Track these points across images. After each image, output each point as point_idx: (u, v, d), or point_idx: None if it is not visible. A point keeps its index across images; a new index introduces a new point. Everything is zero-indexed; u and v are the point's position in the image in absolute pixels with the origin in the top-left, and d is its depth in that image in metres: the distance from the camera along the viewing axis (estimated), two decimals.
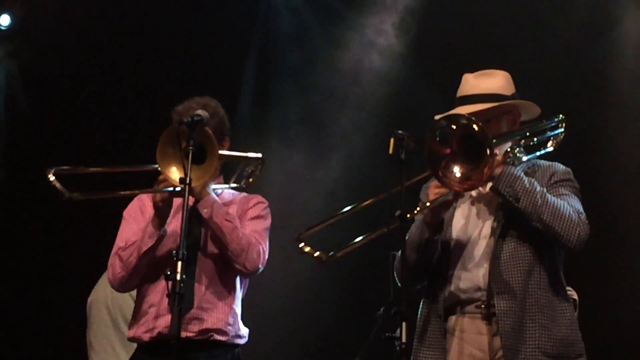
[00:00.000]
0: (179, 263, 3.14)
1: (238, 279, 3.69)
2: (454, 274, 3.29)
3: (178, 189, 3.46)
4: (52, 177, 3.47)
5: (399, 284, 3.29)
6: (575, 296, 3.81)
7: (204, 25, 6.57)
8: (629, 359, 5.44)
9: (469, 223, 3.34)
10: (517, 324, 3.17)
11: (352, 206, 3.29)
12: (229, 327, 3.60)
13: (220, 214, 3.56)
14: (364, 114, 6.34)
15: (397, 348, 2.95)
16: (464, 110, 3.29)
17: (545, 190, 3.23)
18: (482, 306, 3.24)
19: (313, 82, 6.45)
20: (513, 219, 3.24)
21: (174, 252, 3.17)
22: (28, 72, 6.65)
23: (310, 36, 6.52)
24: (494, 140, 3.16)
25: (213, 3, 6.60)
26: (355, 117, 6.39)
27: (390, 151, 3.12)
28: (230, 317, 3.61)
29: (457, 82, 3.47)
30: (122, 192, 3.63)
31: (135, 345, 3.70)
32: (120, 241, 3.68)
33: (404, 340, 2.94)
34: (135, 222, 3.71)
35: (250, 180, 3.81)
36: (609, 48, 5.82)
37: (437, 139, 3.16)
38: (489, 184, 3.25)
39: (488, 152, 3.09)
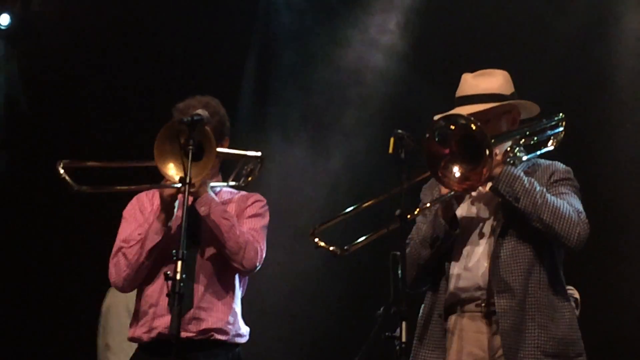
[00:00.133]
0: (179, 262, 3.15)
1: (237, 278, 3.69)
2: (455, 273, 3.30)
3: (176, 186, 3.46)
4: (61, 170, 3.48)
5: (408, 285, 3.28)
6: (577, 295, 3.81)
7: (204, 23, 6.56)
8: (629, 358, 5.44)
9: (469, 222, 3.34)
10: (517, 323, 3.17)
11: (354, 206, 3.30)
12: (229, 327, 3.60)
13: (218, 212, 3.56)
14: (365, 113, 6.34)
15: (397, 347, 2.95)
16: (463, 110, 3.29)
17: (545, 189, 3.23)
18: (482, 305, 3.25)
19: (313, 80, 6.45)
20: (513, 218, 3.24)
21: (174, 251, 3.17)
22: (28, 72, 6.65)
23: (311, 34, 6.52)
24: (493, 140, 3.15)
25: (214, 1, 6.60)
26: (356, 115, 6.38)
27: (390, 150, 3.13)
28: (230, 317, 3.61)
29: (458, 82, 3.47)
30: (129, 187, 3.64)
31: None
32: (120, 240, 3.67)
33: (403, 339, 2.94)
34: (135, 221, 3.71)
35: (249, 178, 3.81)
36: (609, 47, 5.82)
37: (436, 139, 3.17)
38: (489, 184, 3.25)
39: (487, 152, 3.09)
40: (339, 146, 6.36)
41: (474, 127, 3.10)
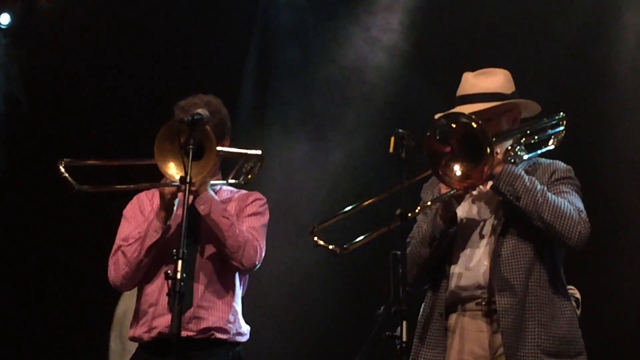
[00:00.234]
0: (180, 262, 3.15)
1: (237, 277, 3.69)
2: (455, 272, 3.30)
3: (176, 184, 3.47)
4: (62, 169, 3.48)
5: (409, 284, 3.28)
6: (578, 295, 3.81)
7: (205, 21, 6.56)
8: (629, 357, 5.44)
9: (470, 221, 3.35)
10: (517, 321, 3.17)
11: (354, 205, 3.31)
12: (230, 325, 3.60)
13: (218, 211, 3.56)
14: (365, 112, 6.34)
15: (398, 347, 2.95)
16: (463, 109, 3.28)
17: (545, 188, 3.23)
18: (483, 304, 3.25)
19: (314, 79, 6.45)
20: (514, 217, 3.25)
21: (174, 250, 3.17)
22: (28, 71, 6.65)
23: (311, 33, 6.52)
24: (494, 139, 3.16)
25: None
26: (356, 114, 6.38)
27: (391, 150, 3.13)
28: (230, 315, 3.61)
29: (459, 81, 3.47)
30: (129, 186, 3.65)
31: None
32: (120, 239, 3.68)
33: (404, 339, 2.94)
34: (135, 221, 3.71)
35: (249, 177, 3.81)
36: (609, 46, 5.82)
37: (437, 137, 3.17)
38: (490, 183, 3.25)
39: (488, 150, 3.09)
40: (339, 145, 6.36)
41: (475, 126, 3.10)
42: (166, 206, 3.54)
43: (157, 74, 6.44)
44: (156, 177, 3.60)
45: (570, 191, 3.30)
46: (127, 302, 4.74)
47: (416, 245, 3.33)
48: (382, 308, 4.38)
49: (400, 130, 3.13)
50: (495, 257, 3.24)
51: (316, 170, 6.34)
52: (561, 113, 3.46)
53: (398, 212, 3.06)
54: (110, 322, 4.99)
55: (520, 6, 6.00)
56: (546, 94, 4.36)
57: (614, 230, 5.54)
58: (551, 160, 3.42)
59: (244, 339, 3.70)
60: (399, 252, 3.28)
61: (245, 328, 3.70)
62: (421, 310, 3.39)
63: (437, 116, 3.27)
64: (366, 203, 3.32)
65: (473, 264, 3.28)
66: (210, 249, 3.62)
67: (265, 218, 3.76)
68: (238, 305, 3.68)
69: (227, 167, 3.87)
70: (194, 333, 3.53)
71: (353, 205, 3.33)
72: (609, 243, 5.47)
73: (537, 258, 3.24)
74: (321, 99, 6.44)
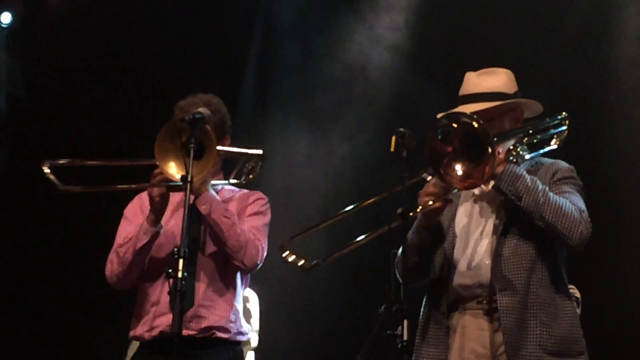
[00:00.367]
0: (181, 261, 3.14)
1: (239, 276, 3.69)
2: (457, 271, 3.30)
3: (173, 184, 3.46)
4: (47, 170, 3.48)
5: (400, 281, 3.29)
6: (578, 294, 3.82)
7: (206, 18, 6.56)
8: (630, 357, 5.44)
9: (472, 221, 3.35)
10: (519, 320, 3.17)
11: (355, 205, 3.30)
12: (231, 325, 3.60)
13: (219, 211, 3.56)
14: (367, 111, 6.34)
15: (399, 345, 2.95)
16: (466, 109, 3.28)
17: (547, 188, 3.23)
18: (484, 302, 3.24)
19: (315, 77, 6.45)
20: (515, 216, 3.24)
21: (175, 249, 3.17)
22: (29, 70, 6.65)
23: (313, 31, 6.52)
24: (495, 139, 3.15)
25: None
26: (358, 113, 6.39)
27: (392, 149, 3.12)
28: (231, 314, 3.61)
29: (461, 80, 3.46)
30: (118, 187, 3.64)
31: None
32: (119, 238, 3.68)
33: (405, 337, 2.94)
34: (135, 220, 3.71)
35: (251, 176, 3.81)
36: (611, 44, 5.82)
37: (439, 137, 3.16)
38: (492, 182, 3.25)
39: (489, 150, 3.09)
40: (341, 143, 6.37)
41: (476, 125, 3.10)
42: (155, 208, 3.54)
43: (158, 73, 6.45)
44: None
45: (572, 191, 3.30)
46: None
47: (407, 252, 3.34)
48: (383, 307, 4.39)
49: (401, 129, 3.13)
50: (496, 256, 3.24)
51: (318, 168, 6.34)
52: (564, 113, 3.46)
53: (399, 211, 3.06)
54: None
55: (522, 6, 6.01)
56: (548, 93, 4.36)
57: (616, 229, 5.54)
58: (553, 160, 3.41)
59: (245, 338, 3.70)
60: (399, 250, 3.29)
61: (247, 327, 3.70)
62: (422, 309, 3.39)
63: (439, 115, 3.26)
64: (366, 203, 3.31)
65: (475, 263, 3.28)
66: (211, 248, 3.61)
67: (267, 217, 3.76)
68: (239, 305, 3.68)
69: (228, 166, 3.87)
70: (195, 332, 3.53)
71: (354, 205, 3.32)
72: (611, 242, 5.48)
73: (539, 257, 3.24)
74: (323, 97, 6.44)
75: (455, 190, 3.27)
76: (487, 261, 3.26)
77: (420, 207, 3.25)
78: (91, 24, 6.52)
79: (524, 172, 3.23)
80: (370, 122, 6.25)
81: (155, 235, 3.56)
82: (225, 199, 3.74)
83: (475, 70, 3.46)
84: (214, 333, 3.55)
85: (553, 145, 3.45)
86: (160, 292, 3.57)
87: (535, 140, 3.39)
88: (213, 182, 3.71)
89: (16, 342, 6.42)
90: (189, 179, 3.29)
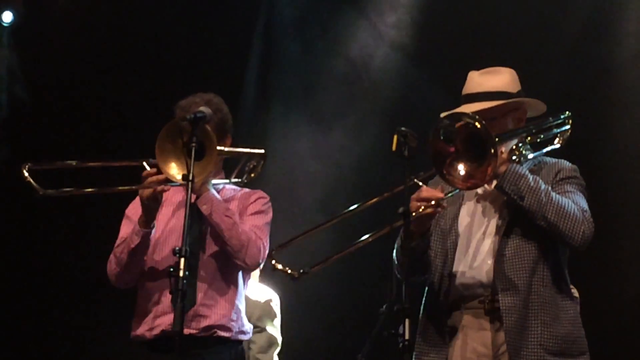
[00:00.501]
0: (182, 260, 3.14)
1: (240, 275, 3.69)
2: (459, 270, 3.30)
3: (166, 187, 3.46)
4: (26, 174, 3.48)
5: (398, 276, 3.29)
6: (577, 294, 3.81)
7: (207, 17, 6.55)
8: (632, 357, 5.43)
9: (474, 220, 3.34)
10: (520, 320, 3.17)
11: (358, 205, 3.30)
12: (232, 323, 3.60)
13: (220, 210, 3.56)
14: (369, 109, 6.33)
15: (400, 345, 2.95)
16: (469, 108, 3.28)
17: (550, 188, 3.22)
18: (486, 302, 3.24)
19: (317, 76, 6.44)
20: (518, 216, 3.24)
21: (176, 249, 3.17)
22: (31, 69, 6.65)
23: (315, 28, 6.51)
24: (497, 139, 3.15)
25: None
26: (359, 112, 6.38)
27: (393, 148, 3.12)
28: (233, 313, 3.61)
29: (463, 80, 3.46)
30: (97, 189, 3.64)
31: None
32: (118, 238, 3.69)
33: (406, 337, 2.93)
34: (136, 219, 3.70)
35: (252, 175, 3.80)
36: (613, 43, 5.81)
37: (442, 137, 3.16)
38: (495, 182, 3.25)
39: (491, 150, 3.08)
40: (343, 141, 6.36)
41: (478, 126, 3.09)
42: (146, 209, 3.54)
43: (159, 72, 6.44)
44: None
45: (575, 191, 3.30)
46: None
47: (397, 251, 3.34)
48: (384, 306, 4.38)
49: (402, 128, 3.12)
50: (499, 256, 3.23)
51: (320, 166, 6.33)
52: (567, 112, 3.45)
53: (401, 210, 3.06)
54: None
55: (525, 5, 6.00)
56: (551, 92, 4.35)
57: (617, 229, 5.53)
58: (556, 160, 3.41)
59: (247, 337, 3.70)
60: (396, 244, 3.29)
61: (248, 326, 3.70)
62: (422, 307, 3.38)
63: (442, 115, 3.26)
64: (370, 202, 3.31)
65: (477, 263, 3.28)
66: (213, 248, 3.61)
67: (269, 216, 3.75)
68: (241, 304, 3.67)
69: (230, 165, 3.87)
70: (197, 331, 3.53)
71: (357, 205, 3.32)
72: (613, 242, 5.47)
73: (541, 258, 3.24)
74: (325, 95, 6.43)
75: (457, 190, 3.27)
76: (490, 261, 3.25)
77: (422, 207, 3.24)
78: (92, 22, 6.52)
79: (527, 172, 3.22)
80: (373, 120, 6.25)
81: (147, 236, 3.55)
82: (226, 198, 3.74)
83: (478, 69, 3.46)
84: (216, 332, 3.55)
85: (556, 144, 3.44)
86: (161, 292, 3.57)
87: (538, 140, 3.39)
88: (214, 181, 3.71)
89: (16, 342, 6.42)
90: (190, 178, 3.29)
